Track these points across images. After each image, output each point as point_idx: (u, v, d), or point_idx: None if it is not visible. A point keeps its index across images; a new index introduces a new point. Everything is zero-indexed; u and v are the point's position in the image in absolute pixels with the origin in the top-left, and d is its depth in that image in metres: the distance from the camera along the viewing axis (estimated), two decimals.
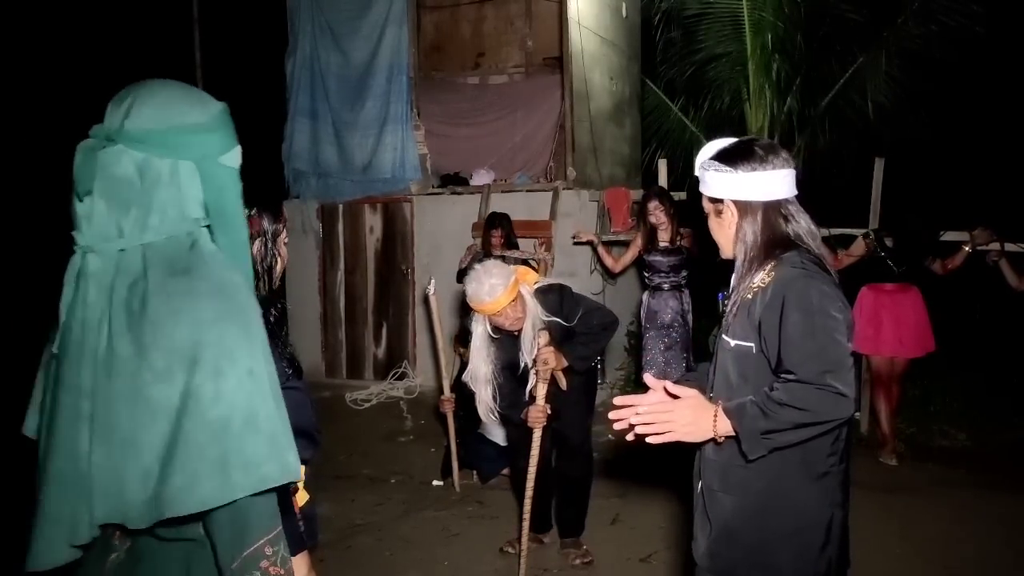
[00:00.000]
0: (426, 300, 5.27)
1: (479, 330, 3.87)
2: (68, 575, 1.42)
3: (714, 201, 2.13)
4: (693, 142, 9.18)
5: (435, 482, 5.52)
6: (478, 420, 5.59)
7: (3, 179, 10.42)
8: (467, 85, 9.52)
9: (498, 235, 6.82)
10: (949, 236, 5.90)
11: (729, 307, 2.12)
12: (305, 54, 8.34)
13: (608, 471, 5.35)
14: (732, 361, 2.08)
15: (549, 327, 3.83)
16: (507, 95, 9.15)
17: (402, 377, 8.18)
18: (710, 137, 8.86)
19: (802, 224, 2.06)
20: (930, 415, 6.55)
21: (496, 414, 3.99)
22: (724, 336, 2.12)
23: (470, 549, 4.43)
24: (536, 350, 3.81)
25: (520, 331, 3.85)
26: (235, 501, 1.28)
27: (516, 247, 6.96)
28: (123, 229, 1.35)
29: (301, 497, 2.45)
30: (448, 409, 5.32)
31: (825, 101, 8.67)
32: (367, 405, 7.64)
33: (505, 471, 5.53)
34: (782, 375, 1.94)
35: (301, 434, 2.48)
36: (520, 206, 7.45)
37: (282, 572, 1.32)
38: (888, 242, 5.67)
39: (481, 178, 8.13)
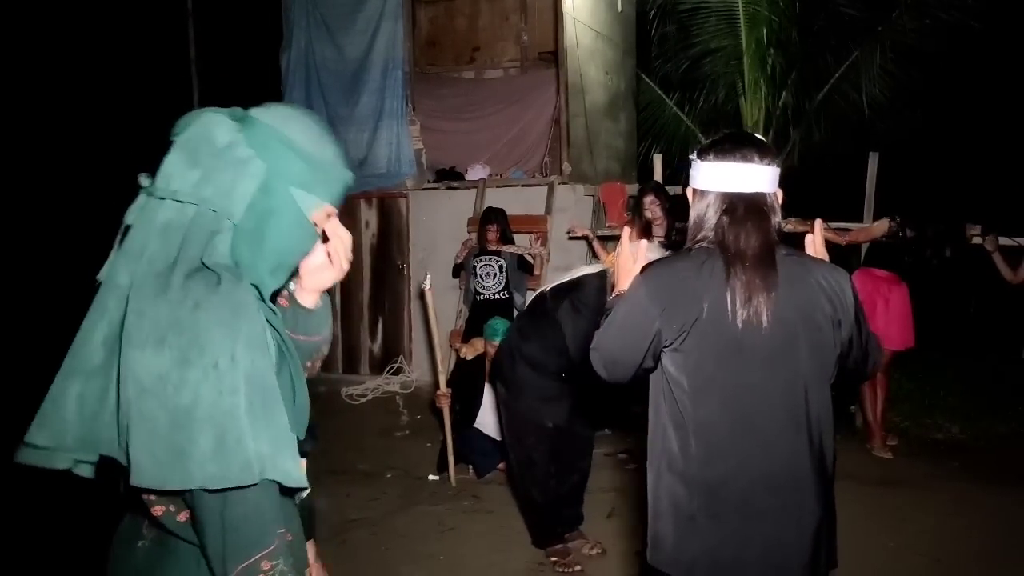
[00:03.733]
0: (422, 295, 5.27)
1: None
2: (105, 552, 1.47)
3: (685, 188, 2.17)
4: (688, 137, 9.22)
5: (431, 477, 5.52)
6: (474, 415, 5.63)
7: None
8: (462, 80, 9.48)
9: (494, 230, 6.84)
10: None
11: None
12: (300, 49, 8.33)
13: (605, 465, 5.37)
14: None
15: None
16: (502, 90, 9.12)
17: (398, 372, 8.19)
18: (706, 132, 9.04)
19: (747, 224, 1.96)
20: (924, 408, 6.57)
21: None
22: None
23: (466, 543, 4.44)
24: None
25: None
26: (223, 513, 1.29)
27: (512, 242, 6.98)
28: (184, 184, 1.37)
29: None
30: (444, 404, 5.32)
31: (820, 95, 8.70)
32: (363, 400, 7.64)
33: (501, 465, 5.54)
34: None
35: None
36: (515, 201, 7.45)
37: None
38: (908, 232, 5.68)
39: (476, 173, 8.13)
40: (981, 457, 5.68)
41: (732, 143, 2.01)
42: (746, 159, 1.98)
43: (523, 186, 7.84)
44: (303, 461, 2.48)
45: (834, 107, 8.69)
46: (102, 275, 1.38)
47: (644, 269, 2.05)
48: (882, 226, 5.86)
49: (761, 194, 1.98)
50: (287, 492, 1.40)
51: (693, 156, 2.08)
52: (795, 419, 1.94)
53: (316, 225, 1.49)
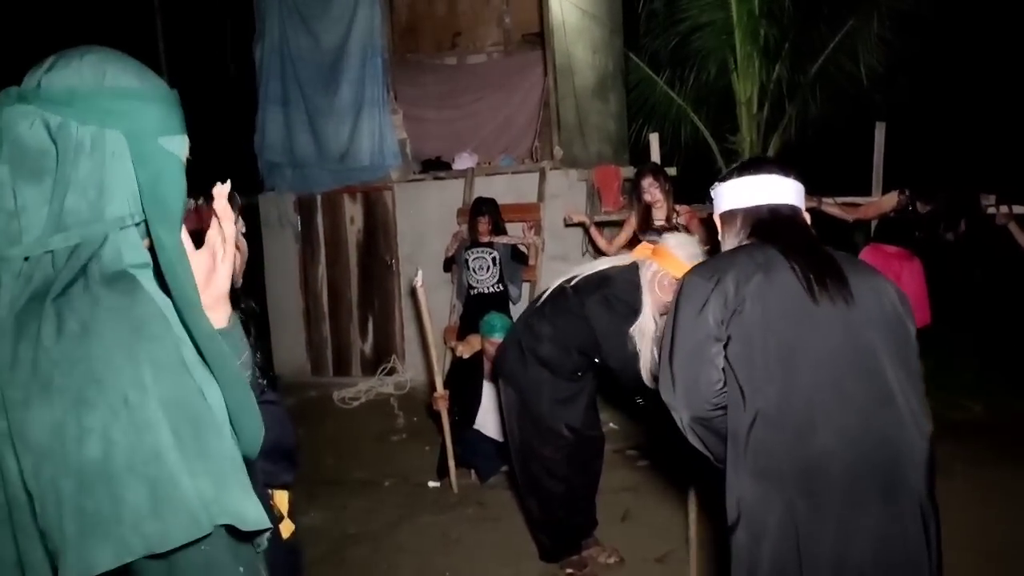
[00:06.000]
0: (413, 292, 5.00)
1: (648, 310, 3.56)
2: None
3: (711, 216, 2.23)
4: (680, 116, 8.91)
5: (431, 483, 5.25)
6: (474, 416, 5.36)
7: None
8: (444, 66, 9.17)
9: (485, 222, 6.57)
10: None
11: None
12: (274, 39, 7.97)
13: (616, 463, 5.10)
14: None
15: None
16: (486, 75, 8.85)
17: (391, 372, 7.89)
18: (697, 110, 8.74)
19: (780, 229, 1.97)
20: (942, 387, 6.31)
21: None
22: None
23: (473, 556, 4.15)
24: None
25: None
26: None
27: (504, 232, 6.71)
28: (33, 223, 1.11)
29: (286, 528, 2.17)
30: (442, 407, 5.05)
31: (815, 67, 8.41)
32: (356, 403, 7.34)
33: (506, 468, 5.27)
34: None
35: (282, 455, 2.20)
36: (506, 189, 7.17)
37: None
38: (920, 207, 5.43)
39: (464, 162, 7.82)
40: (1009, 437, 5.42)
41: (752, 164, 2.11)
42: (769, 172, 2.01)
43: (513, 173, 7.53)
44: (284, 494, 2.17)
45: (830, 79, 8.39)
46: None
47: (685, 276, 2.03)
48: (891, 200, 5.61)
49: (788, 205, 2.00)
50: (244, 537, 1.13)
51: (714, 188, 2.11)
52: (884, 394, 1.81)
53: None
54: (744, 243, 1.98)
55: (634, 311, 3.54)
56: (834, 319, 1.81)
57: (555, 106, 7.45)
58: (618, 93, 9.11)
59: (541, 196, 7.11)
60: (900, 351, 1.84)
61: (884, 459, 1.77)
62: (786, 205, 1.99)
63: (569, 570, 3.88)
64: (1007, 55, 9.40)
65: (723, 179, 2.08)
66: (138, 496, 1.01)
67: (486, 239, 6.57)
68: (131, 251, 1.15)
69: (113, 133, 1.14)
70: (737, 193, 2.02)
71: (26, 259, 1.10)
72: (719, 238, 2.10)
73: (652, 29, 9.07)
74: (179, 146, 1.22)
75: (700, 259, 3.52)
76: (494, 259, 6.56)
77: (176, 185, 1.19)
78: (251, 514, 1.08)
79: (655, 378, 2.20)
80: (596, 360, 3.74)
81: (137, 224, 1.17)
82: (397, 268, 7.91)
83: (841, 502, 1.75)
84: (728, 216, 2.05)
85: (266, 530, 1.13)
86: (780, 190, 1.98)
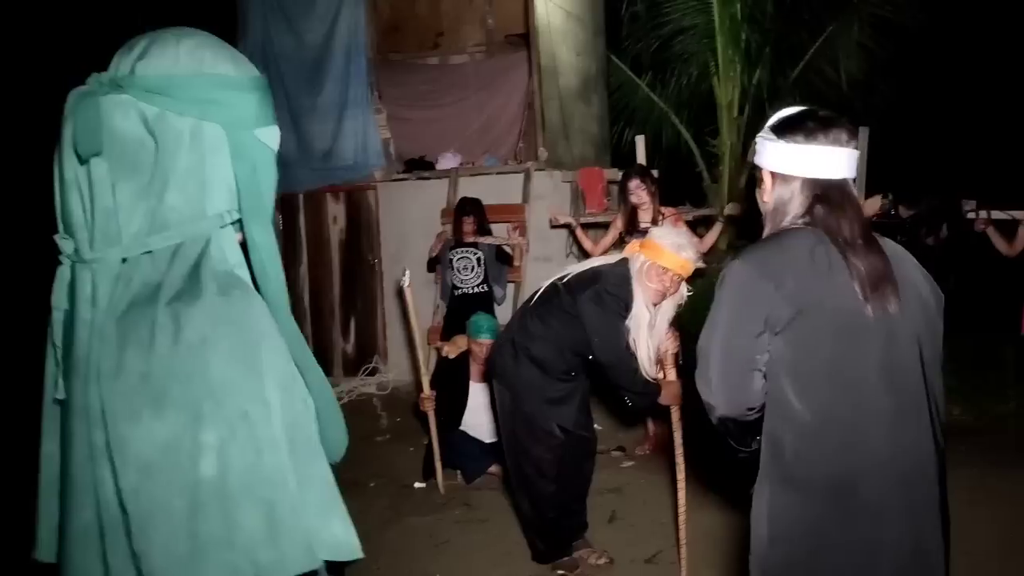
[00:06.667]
0: (400, 292, 4.98)
1: (640, 301, 3.60)
2: None
3: (755, 169, 1.98)
4: (661, 119, 8.99)
5: (417, 484, 5.23)
6: (459, 417, 5.35)
7: None
8: (427, 66, 9.13)
9: (470, 222, 6.56)
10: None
11: None
12: (257, 38, 7.89)
13: (601, 464, 5.10)
14: None
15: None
16: (469, 75, 8.81)
17: (373, 373, 7.85)
18: (679, 113, 8.79)
19: (845, 211, 1.82)
20: None
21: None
22: None
23: (463, 558, 4.14)
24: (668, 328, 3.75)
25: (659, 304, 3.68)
26: None
27: (489, 233, 6.70)
28: (131, 220, 1.03)
29: None
30: (429, 407, 5.04)
31: (796, 72, 8.50)
32: (339, 404, 7.29)
33: (492, 469, 5.27)
34: None
35: None
36: (490, 190, 7.15)
37: None
38: (903, 211, 5.49)
39: (447, 162, 7.79)
40: (986, 439, 5.49)
41: (819, 124, 1.84)
42: (838, 142, 1.82)
43: (498, 174, 7.52)
44: None
45: (810, 83, 8.50)
46: (59, 392, 1.05)
47: (740, 253, 1.88)
48: (874, 204, 5.67)
49: (846, 180, 1.85)
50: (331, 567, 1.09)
51: (769, 134, 1.89)
52: (917, 405, 1.79)
53: None
54: (798, 225, 1.83)
55: (626, 306, 3.58)
56: (882, 329, 1.75)
57: (540, 107, 7.45)
58: (600, 95, 9.13)
59: (526, 197, 7.10)
60: (933, 361, 1.82)
61: (914, 475, 1.77)
62: (847, 182, 1.86)
63: (560, 571, 3.89)
64: (987, 62, 9.54)
65: (784, 133, 1.86)
66: (254, 521, 0.96)
67: (471, 239, 6.56)
68: (232, 251, 1.09)
69: (211, 125, 1.07)
70: (799, 159, 1.83)
71: (123, 260, 1.04)
72: (762, 195, 1.95)
73: (634, 32, 9.14)
74: (273, 137, 1.16)
75: (686, 249, 3.57)
76: (479, 259, 6.55)
77: (271, 179, 1.14)
78: (351, 545, 1.04)
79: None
80: (589, 358, 3.76)
81: (233, 222, 1.11)
82: (380, 268, 7.88)
83: (871, 517, 1.73)
84: (782, 178, 1.87)
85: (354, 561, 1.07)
86: (845, 162, 1.83)
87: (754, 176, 2.00)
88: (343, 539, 1.04)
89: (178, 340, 0.97)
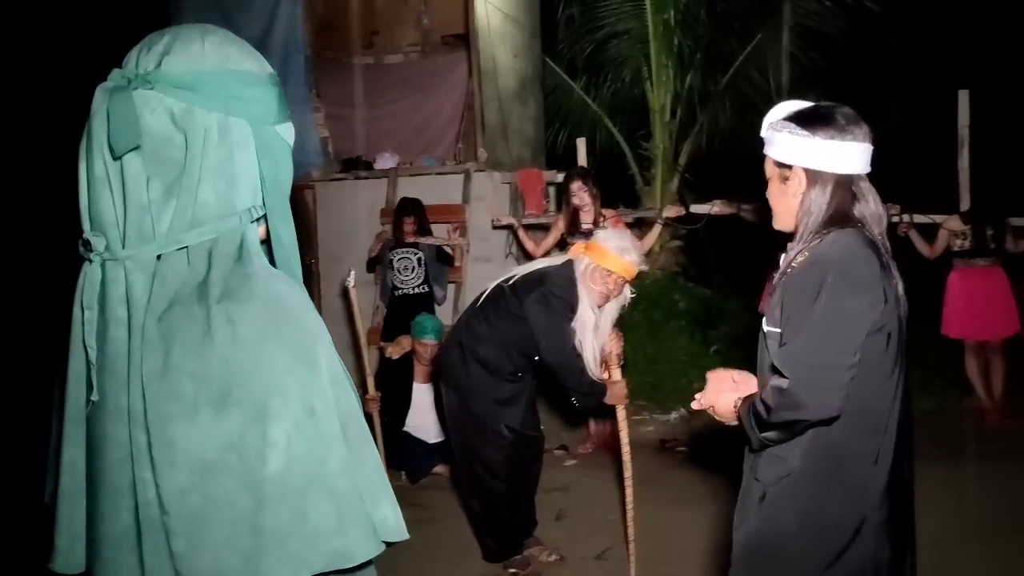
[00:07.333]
0: (344, 293, 4.94)
1: (585, 303, 3.64)
2: None
3: (781, 166, 1.92)
4: (596, 121, 9.09)
5: None
6: (404, 418, 5.35)
7: None
8: (361, 65, 9.07)
9: (411, 222, 6.54)
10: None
11: (775, 288, 1.94)
12: None
13: (545, 463, 5.15)
14: (768, 349, 1.92)
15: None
16: (405, 75, 8.82)
17: None
18: (612, 116, 8.91)
19: (870, 205, 1.89)
20: None
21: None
22: (764, 320, 1.97)
23: (415, 558, 4.11)
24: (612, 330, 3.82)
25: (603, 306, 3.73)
26: None
27: (430, 233, 6.70)
28: (163, 217, 1.02)
29: None
30: (374, 408, 4.99)
31: (726, 78, 8.71)
32: None
33: (438, 469, 5.29)
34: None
35: None
36: (430, 190, 7.14)
37: None
38: None
39: (384, 162, 7.75)
40: (921, 433, 5.72)
41: (849, 119, 1.84)
42: (868, 138, 1.85)
43: (437, 174, 7.53)
44: None
45: (740, 90, 8.71)
46: (94, 395, 1.04)
47: (832, 265, 1.79)
48: None
49: (867, 173, 1.90)
50: None
51: (796, 128, 1.85)
52: (908, 409, 1.91)
53: None
54: (844, 226, 1.83)
55: (571, 307, 3.63)
56: (899, 323, 1.84)
57: (479, 108, 7.48)
58: (536, 97, 9.20)
59: (466, 198, 7.12)
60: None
61: (911, 467, 1.91)
62: (867, 175, 1.89)
63: (512, 570, 3.93)
64: (907, 71, 9.94)
65: (811, 126, 1.83)
66: (322, 512, 0.97)
67: (411, 240, 6.55)
68: (258, 246, 1.10)
69: (238, 120, 1.08)
70: (831, 155, 1.81)
71: (158, 257, 1.03)
72: (785, 192, 1.93)
73: (570, 35, 9.24)
74: (290, 133, 1.17)
75: (630, 253, 3.63)
76: (419, 260, 6.54)
77: (290, 174, 1.15)
78: (401, 527, 1.07)
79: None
80: (536, 359, 3.80)
81: (258, 219, 1.12)
82: (317, 268, 7.78)
83: (906, 520, 1.88)
84: (817, 177, 1.85)
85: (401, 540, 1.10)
86: (869, 159, 1.86)
87: (770, 173, 1.99)
88: (393, 522, 1.07)
89: (236, 339, 0.98)
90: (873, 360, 1.78)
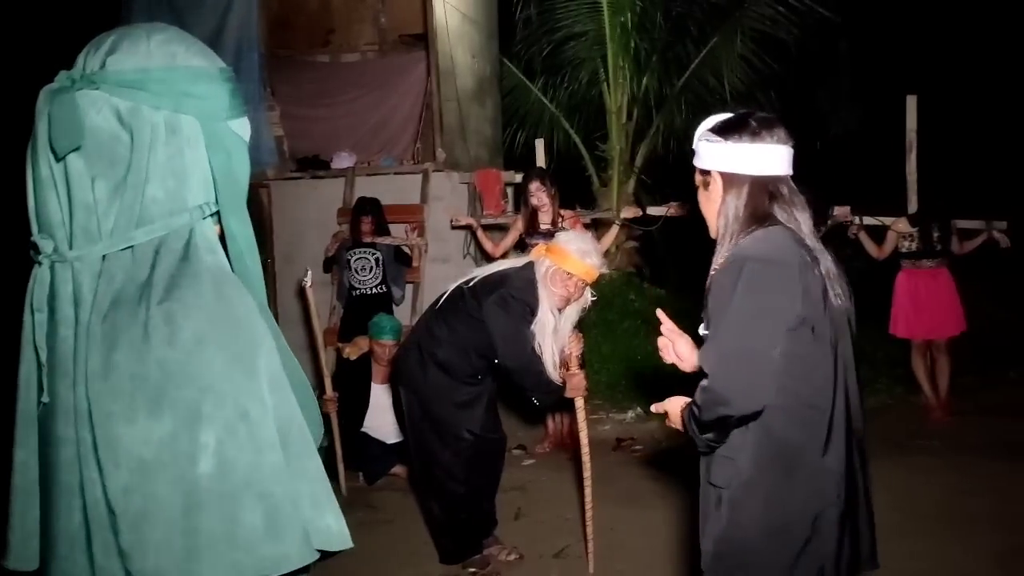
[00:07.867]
0: (301, 293, 4.91)
1: (545, 305, 3.61)
2: None
3: (703, 173, 2.00)
4: (553, 122, 9.13)
5: None
6: (361, 419, 5.32)
7: None
8: (317, 64, 9.01)
9: (369, 222, 6.51)
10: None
11: (705, 291, 1.99)
12: None
13: (505, 463, 5.17)
14: None
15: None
16: (362, 74, 8.77)
17: None
18: (569, 117, 8.96)
19: (791, 204, 1.93)
20: None
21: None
22: (701, 326, 2.01)
23: (371, 560, 4.11)
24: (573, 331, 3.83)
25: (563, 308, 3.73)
26: None
27: (387, 233, 6.67)
28: (110, 216, 1.02)
29: None
30: (331, 409, 4.98)
31: (681, 81, 8.80)
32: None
33: (395, 470, 5.28)
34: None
35: None
36: (388, 190, 7.12)
37: None
38: None
39: (341, 161, 7.71)
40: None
41: (762, 124, 1.91)
42: (781, 140, 1.90)
43: (396, 174, 7.51)
44: None
45: (695, 92, 8.82)
46: (44, 396, 1.03)
47: (747, 260, 1.84)
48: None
49: (788, 176, 1.94)
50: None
51: (712, 136, 1.93)
52: (855, 397, 1.98)
53: None
54: (767, 224, 1.88)
55: (531, 310, 3.61)
56: (840, 319, 1.89)
57: (438, 108, 7.48)
58: (494, 98, 9.22)
59: (425, 198, 7.11)
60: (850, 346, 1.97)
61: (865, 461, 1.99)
62: (787, 176, 1.93)
63: (472, 569, 3.93)
64: (859, 76, 10.15)
65: (729, 134, 1.90)
66: (255, 517, 0.97)
67: (369, 239, 6.52)
68: (214, 243, 1.09)
69: (187, 117, 1.08)
70: (746, 158, 1.88)
71: (103, 257, 1.03)
72: (708, 197, 1.99)
73: (527, 36, 9.25)
74: (245, 129, 1.17)
75: (591, 255, 3.63)
76: (377, 260, 6.51)
77: (246, 170, 1.14)
78: (343, 536, 1.08)
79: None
80: (495, 361, 3.80)
81: (211, 214, 1.11)
82: (273, 268, 7.70)
83: (860, 512, 1.94)
84: (734, 179, 1.91)
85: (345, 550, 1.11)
86: (788, 159, 1.92)
87: (704, 181, 2.03)
88: (336, 530, 1.08)
89: (174, 341, 0.98)
90: (802, 353, 1.83)
